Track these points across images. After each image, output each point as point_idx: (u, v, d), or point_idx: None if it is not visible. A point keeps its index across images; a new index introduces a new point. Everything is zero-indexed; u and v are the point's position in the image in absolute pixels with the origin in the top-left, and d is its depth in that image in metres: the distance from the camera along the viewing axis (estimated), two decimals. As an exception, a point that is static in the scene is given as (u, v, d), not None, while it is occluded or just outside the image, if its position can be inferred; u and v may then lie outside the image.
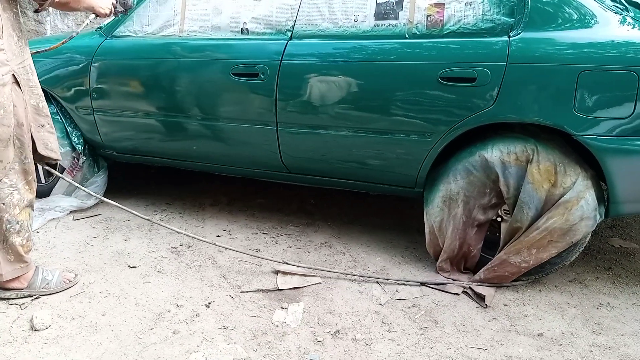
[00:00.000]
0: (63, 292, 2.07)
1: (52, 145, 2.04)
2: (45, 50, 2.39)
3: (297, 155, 2.43)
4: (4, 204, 1.88)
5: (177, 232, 2.37)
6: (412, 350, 1.77)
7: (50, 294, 2.06)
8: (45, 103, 2.01)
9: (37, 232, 2.61)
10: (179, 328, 1.87)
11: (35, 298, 2.02)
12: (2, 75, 1.77)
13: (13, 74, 1.81)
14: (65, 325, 1.88)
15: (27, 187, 1.95)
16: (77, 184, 2.44)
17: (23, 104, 1.87)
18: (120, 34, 2.69)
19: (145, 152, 2.83)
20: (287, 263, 2.26)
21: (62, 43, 2.41)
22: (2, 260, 1.94)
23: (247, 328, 1.88)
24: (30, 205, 1.99)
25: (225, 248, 2.35)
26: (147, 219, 2.40)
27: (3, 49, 1.78)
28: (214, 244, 2.33)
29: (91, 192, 2.48)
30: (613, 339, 1.85)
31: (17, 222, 1.93)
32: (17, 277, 2.01)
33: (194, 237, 2.35)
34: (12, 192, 1.89)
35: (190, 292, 2.11)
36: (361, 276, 2.22)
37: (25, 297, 2.03)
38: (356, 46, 2.19)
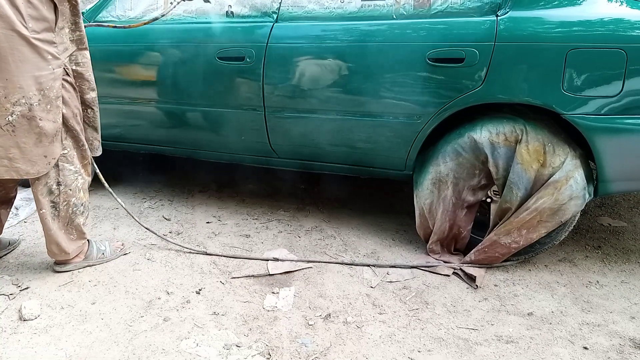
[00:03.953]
0: (52, 282, 2.05)
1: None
2: (124, 27, 2.36)
3: (286, 140, 2.40)
4: (70, 189, 1.98)
5: (172, 242, 2.35)
6: (403, 332, 1.78)
7: (107, 261, 2.21)
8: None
9: (25, 222, 2.59)
10: (169, 315, 1.86)
11: (24, 288, 2.00)
12: (54, 70, 1.80)
13: (64, 68, 1.85)
14: (55, 315, 1.86)
15: (84, 170, 2.06)
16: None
17: (75, 94, 1.93)
18: (103, 19, 2.64)
19: (132, 139, 2.79)
20: (277, 259, 2.22)
21: (145, 23, 2.33)
22: (66, 240, 2.04)
23: (238, 313, 1.87)
24: (88, 187, 2.11)
25: (215, 255, 2.33)
26: (148, 228, 2.37)
27: (55, 43, 1.80)
28: (205, 253, 2.29)
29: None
30: (602, 317, 1.86)
31: (82, 204, 2.06)
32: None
33: (184, 247, 2.34)
34: (77, 178, 2.01)
35: (181, 279, 2.10)
36: (352, 264, 2.22)
37: (84, 267, 2.15)
38: (343, 28, 2.16)
